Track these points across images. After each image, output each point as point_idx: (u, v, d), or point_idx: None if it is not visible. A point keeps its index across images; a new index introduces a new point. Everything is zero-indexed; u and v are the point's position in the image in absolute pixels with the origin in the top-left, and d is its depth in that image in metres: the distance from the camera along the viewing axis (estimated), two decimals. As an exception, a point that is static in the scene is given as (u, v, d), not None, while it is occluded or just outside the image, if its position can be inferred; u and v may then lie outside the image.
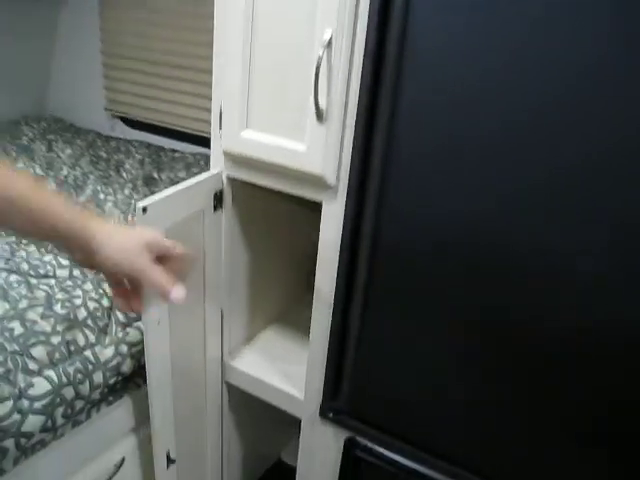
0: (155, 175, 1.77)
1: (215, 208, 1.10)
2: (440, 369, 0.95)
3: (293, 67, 0.92)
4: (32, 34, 2.29)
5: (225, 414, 1.34)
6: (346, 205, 0.95)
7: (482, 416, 0.94)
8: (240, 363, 1.28)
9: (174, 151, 2.04)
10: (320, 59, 0.86)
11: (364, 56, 0.85)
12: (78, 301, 1.08)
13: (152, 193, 1.60)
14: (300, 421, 1.18)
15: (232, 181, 1.10)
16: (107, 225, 0.76)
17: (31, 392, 0.90)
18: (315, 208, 1.02)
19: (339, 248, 0.98)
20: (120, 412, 1.10)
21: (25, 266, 1.18)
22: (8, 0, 2.15)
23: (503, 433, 0.93)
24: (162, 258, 0.77)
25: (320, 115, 0.91)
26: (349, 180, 0.94)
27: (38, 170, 1.74)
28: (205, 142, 2.05)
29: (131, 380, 1.08)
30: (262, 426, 1.54)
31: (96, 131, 2.28)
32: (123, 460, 1.12)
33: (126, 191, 1.60)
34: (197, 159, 1.97)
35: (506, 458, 0.95)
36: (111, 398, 1.05)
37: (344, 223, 0.96)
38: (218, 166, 1.10)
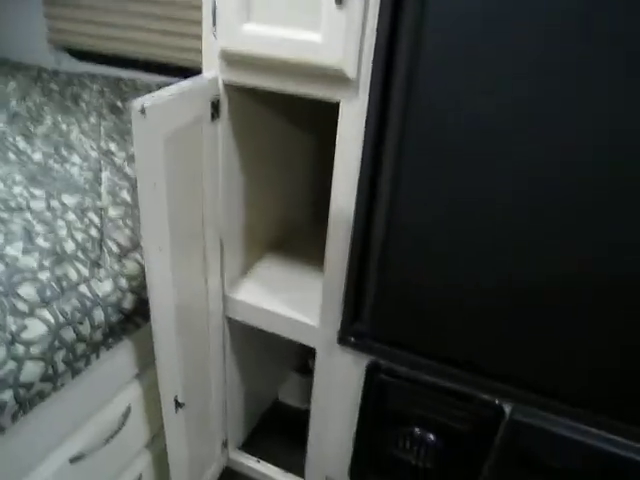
0: (119, 104, 1.59)
1: (213, 117, 0.97)
2: (472, 271, 0.88)
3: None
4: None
5: (227, 354, 1.25)
6: (369, 100, 0.84)
7: (511, 326, 0.88)
8: (241, 294, 1.18)
9: (135, 81, 1.85)
10: None
11: None
12: (62, 232, 0.94)
13: (123, 122, 1.44)
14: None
15: (229, 87, 0.97)
16: None
17: (25, 336, 0.77)
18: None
19: (362, 145, 0.88)
20: (121, 356, 0.98)
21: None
22: None
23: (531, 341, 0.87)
24: None
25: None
26: (372, 72, 0.82)
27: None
28: (169, 71, 1.88)
29: (130, 320, 0.96)
30: (262, 365, 1.46)
31: (40, 66, 2.04)
32: (129, 409, 1.01)
33: (92, 119, 1.43)
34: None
35: (533, 365, 0.90)
36: (110, 340, 0.93)
37: (367, 119, 0.85)
38: (212, 70, 0.96)
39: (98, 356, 0.92)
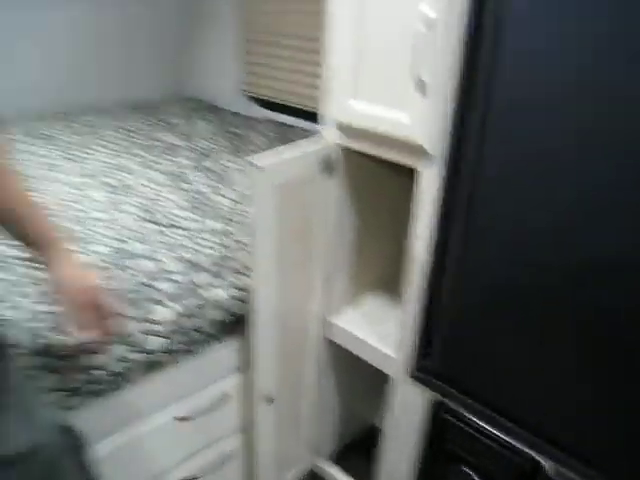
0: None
1: (324, 173, 1.20)
2: (536, 340, 0.97)
3: (400, 42, 0.97)
4: (175, 24, 2.55)
5: (323, 369, 1.44)
6: (444, 171, 1.00)
7: (575, 396, 0.94)
8: (340, 320, 1.37)
9: (304, 130, 2.17)
10: (422, 36, 0.91)
11: (463, 37, 0.89)
12: (200, 248, 1.24)
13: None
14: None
15: (341, 148, 1.19)
16: (61, 260, 0.83)
17: (154, 317, 1.06)
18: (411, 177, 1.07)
19: (435, 207, 1.03)
20: (228, 351, 1.24)
21: (161, 217, 1.36)
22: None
23: (598, 416, 0.93)
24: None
25: (422, 88, 0.96)
26: (449, 149, 0.98)
27: (177, 141, 1.96)
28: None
29: (241, 323, 1.21)
30: (357, 388, 1.63)
31: (232, 110, 2.49)
32: (227, 394, 1.27)
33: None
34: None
35: (597, 437, 0.95)
36: (220, 336, 1.20)
37: (439, 186, 1.01)
38: (328, 134, 1.19)
39: (210, 345, 1.18)
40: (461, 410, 1.11)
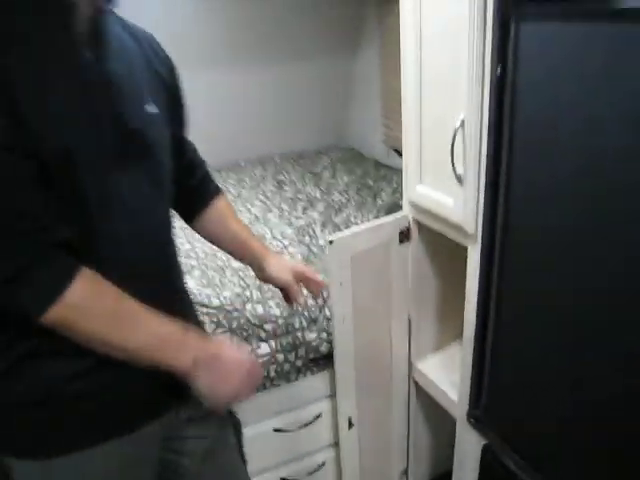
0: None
1: (401, 241, 1.44)
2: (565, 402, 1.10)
3: (445, 138, 1.18)
4: (332, 84, 2.95)
5: (408, 405, 1.66)
6: (481, 249, 1.18)
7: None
8: (423, 365, 1.58)
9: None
10: (455, 135, 1.13)
11: (487, 135, 1.08)
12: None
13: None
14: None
15: (415, 221, 1.42)
16: (273, 256, 1.20)
17: (258, 351, 1.40)
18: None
19: (477, 283, 1.21)
20: (320, 380, 1.53)
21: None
22: (316, 57, 2.83)
23: None
24: (303, 279, 1.21)
25: (458, 178, 1.17)
26: (482, 232, 1.17)
27: (318, 194, 2.32)
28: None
29: (326, 358, 1.50)
30: (439, 427, 1.79)
31: (375, 159, 2.80)
32: (320, 415, 1.56)
33: (370, 216, 2.04)
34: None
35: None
36: (315, 369, 1.50)
37: (480, 264, 1.19)
38: (406, 208, 1.43)
39: (305, 375, 1.49)
40: (504, 457, 1.26)
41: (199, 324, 1.12)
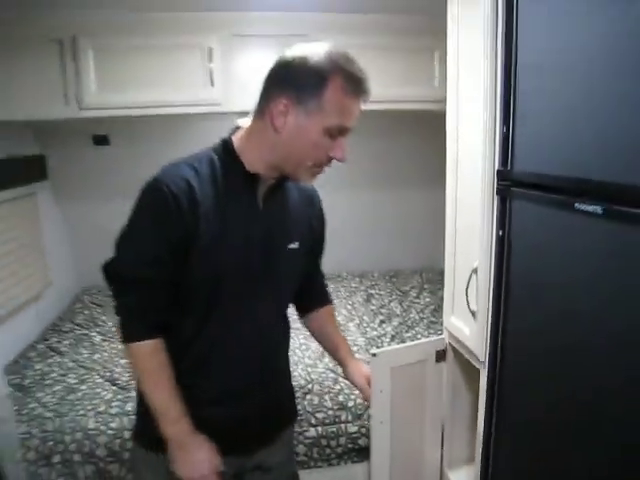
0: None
1: (437, 360, 1.69)
2: None
3: (464, 281, 1.47)
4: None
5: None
6: (487, 375, 1.42)
7: None
8: (454, 475, 1.76)
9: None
10: (470, 278, 1.41)
11: (493, 281, 1.36)
12: (348, 394, 1.84)
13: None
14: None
15: (450, 344, 1.68)
16: (354, 363, 1.43)
17: (304, 434, 1.69)
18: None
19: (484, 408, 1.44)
20: (361, 468, 1.77)
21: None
22: (424, 186, 3.22)
23: None
24: None
25: (473, 314, 1.44)
26: (487, 362, 1.41)
27: (398, 310, 2.62)
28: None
29: (365, 451, 1.74)
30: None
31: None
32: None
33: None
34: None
35: None
36: (355, 458, 1.75)
37: (486, 382, 1.42)
38: (445, 333, 1.70)
39: (346, 462, 1.74)
40: None
41: (290, 396, 1.44)
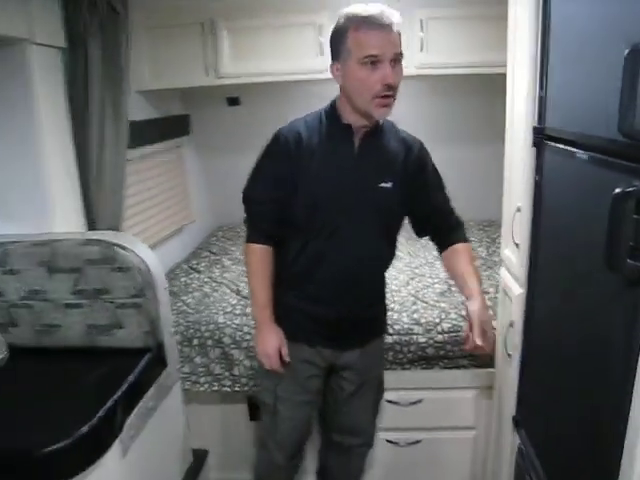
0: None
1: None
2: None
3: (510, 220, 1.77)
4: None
5: None
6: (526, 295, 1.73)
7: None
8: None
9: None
10: (515, 216, 1.72)
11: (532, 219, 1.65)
12: (421, 313, 2.22)
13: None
14: None
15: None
16: (472, 301, 1.51)
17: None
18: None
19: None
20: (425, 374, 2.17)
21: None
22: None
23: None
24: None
25: (516, 245, 1.74)
26: (527, 283, 1.71)
27: (484, 254, 2.92)
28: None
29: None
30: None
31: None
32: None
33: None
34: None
35: None
36: (424, 364, 2.15)
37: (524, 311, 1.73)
38: (503, 265, 2.01)
39: (415, 367, 2.15)
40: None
41: (381, 313, 1.79)
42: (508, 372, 1.84)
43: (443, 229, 1.73)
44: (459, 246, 1.70)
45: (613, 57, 1.00)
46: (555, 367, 1.48)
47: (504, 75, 1.86)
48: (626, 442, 1.04)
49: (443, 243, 1.73)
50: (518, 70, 1.73)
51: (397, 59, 1.45)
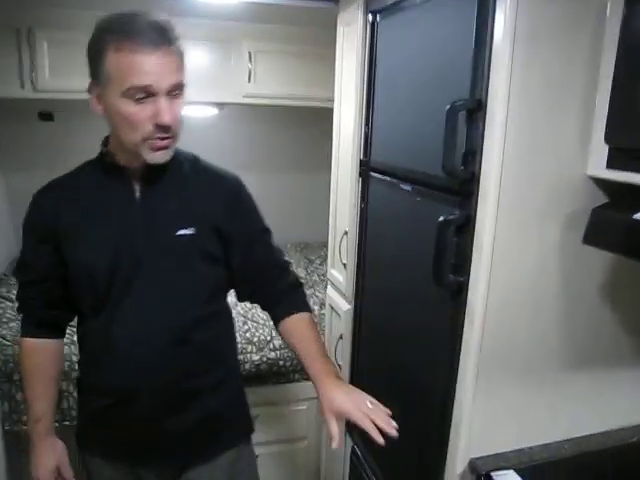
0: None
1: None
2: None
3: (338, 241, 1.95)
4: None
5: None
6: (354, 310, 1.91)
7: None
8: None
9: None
10: (342, 239, 1.90)
11: (357, 240, 1.84)
12: (252, 332, 2.30)
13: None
14: None
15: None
16: (325, 386, 1.16)
17: None
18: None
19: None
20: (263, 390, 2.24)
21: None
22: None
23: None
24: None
25: (344, 265, 1.92)
26: (353, 299, 1.90)
27: (303, 274, 3.10)
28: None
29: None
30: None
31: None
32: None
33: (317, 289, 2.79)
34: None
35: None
36: (257, 382, 2.21)
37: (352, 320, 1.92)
38: (328, 283, 2.18)
39: (249, 385, 2.21)
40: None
41: (230, 406, 1.38)
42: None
43: (271, 295, 1.35)
44: (300, 317, 1.32)
45: (434, 108, 1.21)
46: (384, 373, 1.67)
47: (330, 109, 2.04)
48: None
49: (275, 314, 1.36)
50: (345, 107, 1.92)
51: (177, 91, 1.09)
